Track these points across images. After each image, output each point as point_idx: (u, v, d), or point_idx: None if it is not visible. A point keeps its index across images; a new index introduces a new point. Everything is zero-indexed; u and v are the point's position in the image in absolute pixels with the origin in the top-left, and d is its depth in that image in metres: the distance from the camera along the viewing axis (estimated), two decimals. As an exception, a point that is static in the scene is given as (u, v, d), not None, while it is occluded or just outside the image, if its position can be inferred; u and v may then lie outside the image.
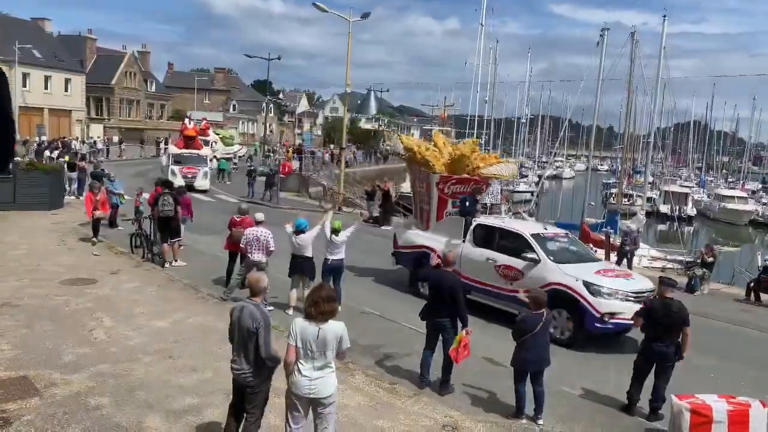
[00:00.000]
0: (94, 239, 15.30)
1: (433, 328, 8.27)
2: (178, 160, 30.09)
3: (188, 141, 31.47)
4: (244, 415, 5.55)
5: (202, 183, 29.67)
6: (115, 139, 54.63)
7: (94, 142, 47.51)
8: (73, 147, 39.14)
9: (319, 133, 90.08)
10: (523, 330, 7.45)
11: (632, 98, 30.03)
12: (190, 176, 28.86)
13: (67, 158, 28.60)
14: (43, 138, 42.42)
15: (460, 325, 8.08)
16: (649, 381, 8.00)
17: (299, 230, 10.97)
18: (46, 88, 53.47)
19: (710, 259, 17.16)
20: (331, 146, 63.07)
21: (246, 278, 11.50)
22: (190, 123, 33.38)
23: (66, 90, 56.34)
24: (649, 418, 7.93)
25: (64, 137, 46.55)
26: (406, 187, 34.61)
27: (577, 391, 8.66)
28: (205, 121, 45.21)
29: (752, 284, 16.29)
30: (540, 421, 7.47)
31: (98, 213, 15.51)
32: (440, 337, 8.18)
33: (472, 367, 8.62)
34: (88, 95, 60.31)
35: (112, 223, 18.20)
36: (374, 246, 18.31)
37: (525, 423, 7.39)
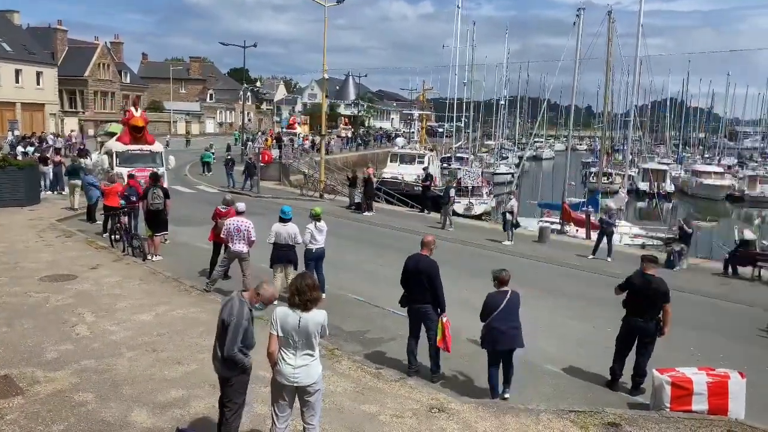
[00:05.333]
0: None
1: (414, 314, 8.07)
2: None
3: None
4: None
5: None
6: (91, 132, 53.75)
7: (69, 135, 46.72)
8: (49, 141, 38.43)
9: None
10: (488, 308, 7.45)
11: (610, 77, 30.12)
12: None
13: (31, 151, 27.69)
14: (16, 133, 41.57)
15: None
16: (631, 357, 8.13)
17: (284, 218, 10.89)
18: (17, 81, 52.30)
19: (690, 230, 17.41)
20: (310, 133, 62.86)
21: (228, 270, 11.59)
22: None
23: (38, 83, 55.16)
24: (631, 392, 8.08)
25: (43, 132, 45.71)
26: (387, 172, 34.60)
27: (560, 370, 8.77)
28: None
29: (729, 258, 16.57)
30: (506, 395, 7.51)
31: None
32: (422, 325, 7.99)
33: (458, 349, 8.67)
34: (60, 88, 59.08)
35: (91, 217, 17.99)
36: (357, 232, 18.30)
37: (511, 403, 7.47)
